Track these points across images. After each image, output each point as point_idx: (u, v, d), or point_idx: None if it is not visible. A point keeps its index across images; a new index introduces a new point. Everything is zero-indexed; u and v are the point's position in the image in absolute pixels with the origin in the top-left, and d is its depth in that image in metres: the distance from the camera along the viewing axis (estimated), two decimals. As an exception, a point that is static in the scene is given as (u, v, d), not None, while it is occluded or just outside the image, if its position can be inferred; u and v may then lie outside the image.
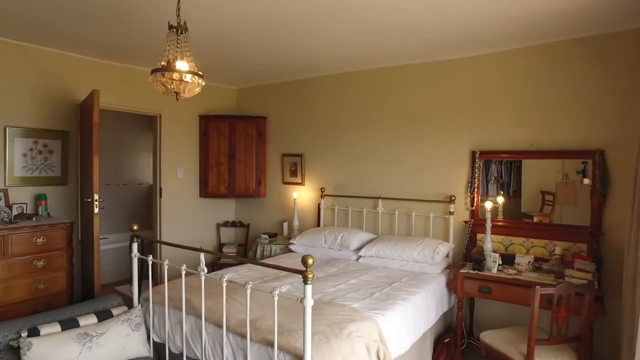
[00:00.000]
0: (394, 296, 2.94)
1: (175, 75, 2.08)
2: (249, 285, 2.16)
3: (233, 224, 5.47)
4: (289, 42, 3.64)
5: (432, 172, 4.11)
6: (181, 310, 2.61)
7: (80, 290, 3.98)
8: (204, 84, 2.27)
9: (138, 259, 2.94)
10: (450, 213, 3.93)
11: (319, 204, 4.81)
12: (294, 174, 5.09)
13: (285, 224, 4.99)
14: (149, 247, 5.70)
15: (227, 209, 5.59)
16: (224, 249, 5.15)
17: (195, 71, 2.19)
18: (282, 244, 4.63)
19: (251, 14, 2.97)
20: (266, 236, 4.82)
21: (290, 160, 5.10)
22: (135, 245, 2.93)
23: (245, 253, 5.33)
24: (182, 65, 2.14)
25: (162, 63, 2.13)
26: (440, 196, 4.05)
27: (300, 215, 4.93)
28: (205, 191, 5.17)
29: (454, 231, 3.94)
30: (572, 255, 3.21)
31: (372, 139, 4.49)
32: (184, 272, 2.53)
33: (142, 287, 3.04)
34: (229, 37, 3.53)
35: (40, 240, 3.40)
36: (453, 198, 3.92)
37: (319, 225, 4.79)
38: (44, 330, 2.41)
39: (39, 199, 3.81)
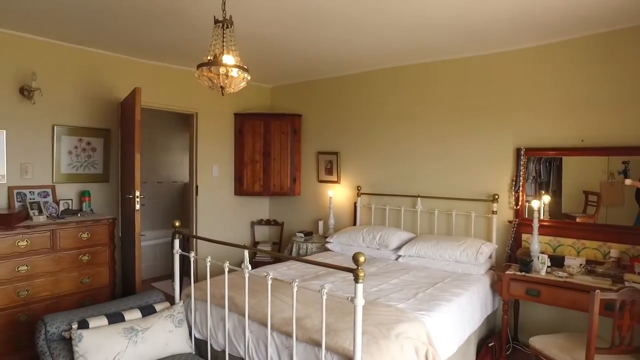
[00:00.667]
0: (439, 297, 2.85)
1: (222, 70, 2.06)
2: (295, 283, 2.12)
3: (267, 223, 5.47)
4: (324, 38, 3.60)
5: (474, 169, 3.98)
6: (223, 308, 2.60)
7: (120, 286, 4.05)
8: (249, 78, 2.25)
9: (179, 255, 2.95)
10: (494, 212, 3.79)
11: (355, 203, 4.74)
12: (329, 172, 5.04)
13: (321, 223, 4.94)
14: (186, 244, 5.78)
15: (261, 207, 5.60)
16: (258, 247, 5.15)
17: (241, 65, 2.16)
18: (317, 242, 4.59)
19: (286, 9, 2.94)
20: (301, 234, 4.79)
21: (326, 158, 5.06)
22: (177, 242, 2.94)
23: (279, 251, 5.32)
24: (228, 59, 2.12)
25: (209, 57, 2.12)
26: (482, 195, 3.92)
27: (335, 214, 4.88)
28: (240, 189, 5.19)
29: (497, 231, 3.80)
30: (631, 259, 3.02)
31: (410, 136, 4.39)
32: (227, 269, 2.53)
33: (182, 283, 3.06)
34: (263, 34, 3.51)
35: (85, 235, 3.47)
36: (496, 197, 3.78)
37: (355, 224, 4.72)
38: (92, 323, 2.45)
39: (83, 195, 3.90)
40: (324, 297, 2.00)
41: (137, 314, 2.65)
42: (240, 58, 2.23)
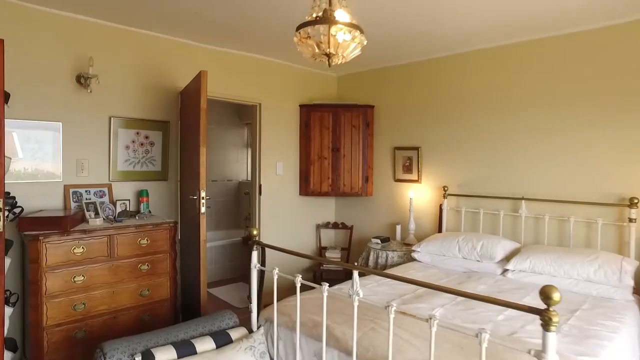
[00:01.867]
0: (592, 333, 2.19)
1: (334, 30, 1.51)
2: (434, 321, 1.54)
3: (334, 226, 4.92)
4: (407, 14, 2.99)
5: (600, 167, 3.25)
6: (315, 339, 2.07)
7: (180, 299, 3.63)
8: (365, 42, 1.69)
9: (258, 272, 2.44)
10: (631, 220, 3.06)
11: (440, 205, 4.11)
12: (408, 169, 4.43)
13: (398, 227, 4.34)
14: (244, 250, 5.34)
15: (326, 209, 5.06)
16: (327, 254, 4.62)
17: (355, 24, 1.61)
18: (398, 250, 3.99)
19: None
20: (377, 241, 4.21)
21: (404, 155, 4.45)
22: (255, 255, 2.44)
23: (348, 258, 4.77)
24: (342, 15, 1.57)
25: (314, 15, 1.58)
26: (612, 198, 3.19)
27: (416, 218, 4.27)
28: (306, 189, 4.67)
29: (636, 243, 3.06)
30: None
31: (509, 127, 3.71)
32: (325, 292, 1.98)
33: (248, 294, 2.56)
34: (354, 4, 2.95)
35: (144, 241, 3.06)
36: (635, 201, 3.04)
37: (440, 229, 4.09)
38: (159, 355, 1.99)
39: (140, 195, 3.50)
40: (485, 346, 1.40)
41: (209, 343, 2.17)
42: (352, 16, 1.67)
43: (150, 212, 3.49)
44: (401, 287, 2.82)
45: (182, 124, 3.71)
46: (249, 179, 6.60)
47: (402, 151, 4.47)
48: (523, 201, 3.59)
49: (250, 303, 2.44)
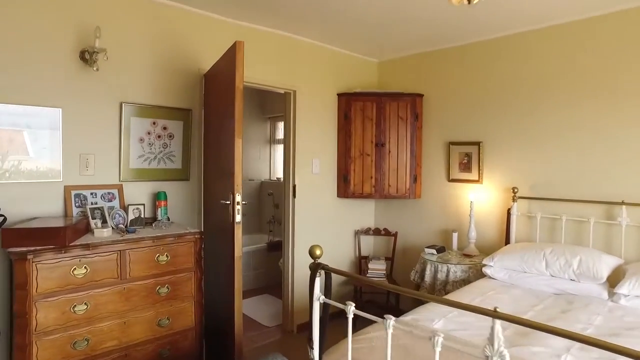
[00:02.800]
0: None
1: None
2: None
3: (376, 232, 4.23)
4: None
5: None
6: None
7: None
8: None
9: (322, 305, 1.76)
10: None
11: (508, 210, 3.40)
12: (466, 168, 3.72)
13: (455, 235, 3.64)
14: (273, 257, 4.66)
15: (365, 212, 4.37)
16: (370, 266, 3.92)
17: None
18: (460, 263, 3.29)
19: None
20: (432, 251, 3.52)
21: (461, 151, 3.74)
22: (317, 284, 1.75)
23: (392, 270, 4.08)
24: None
25: None
26: None
27: (476, 224, 3.56)
28: (346, 190, 3.98)
29: None
30: None
31: (603, 117, 2.99)
32: (390, 328, 1.29)
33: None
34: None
35: (163, 257, 2.38)
36: None
37: (507, 238, 3.38)
38: None
39: (157, 198, 2.83)
40: None
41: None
42: None
43: (169, 219, 2.82)
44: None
45: (207, 112, 3.03)
46: (273, 178, 5.93)
47: (458, 147, 3.76)
48: (624, 206, 2.88)
49: (312, 348, 1.75)
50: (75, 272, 2.07)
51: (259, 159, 5.88)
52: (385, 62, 4.39)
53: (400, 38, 3.68)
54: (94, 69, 2.51)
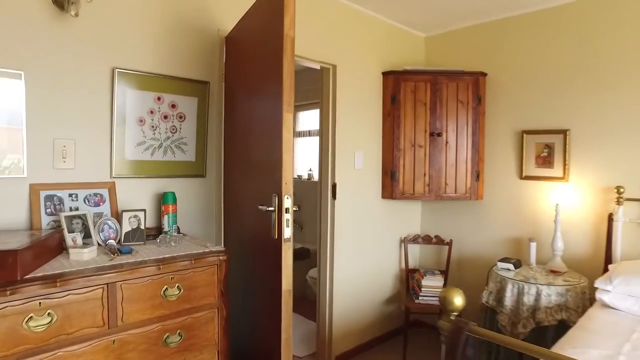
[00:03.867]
0: None
1: None
2: None
3: (426, 240, 3.39)
4: None
5: None
6: None
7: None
8: None
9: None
10: None
11: (610, 215, 2.59)
12: (545, 162, 2.90)
13: (533, 246, 2.81)
14: (300, 268, 3.83)
15: (410, 216, 3.54)
16: (424, 282, 3.09)
17: None
18: (553, 283, 2.46)
19: None
20: (508, 266, 2.70)
21: (540, 141, 2.92)
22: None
23: (445, 284, 3.25)
24: None
25: None
26: None
27: (563, 232, 2.75)
28: (393, 189, 3.15)
29: None
30: None
31: None
32: None
33: None
34: None
35: (174, 291, 1.55)
36: None
37: (608, 252, 2.57)
38: None
39: (163, 201, 1.99)
40: None
41: None
42: None
43: (179, 230, 1.99)
44: None
45: (231, 85, 2.19)
46: (294, 175, 5.09)
47: (535, 136, 2.94)
48: None
49: None
50: (31, 323, 1.23)
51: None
52: (434, 38, 3.56)
53: (451, 5, 2.86)
54: (72, 14, 1.67)
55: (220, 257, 1.66)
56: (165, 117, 2.07)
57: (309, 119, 4.80)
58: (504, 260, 2.78)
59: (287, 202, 1.48)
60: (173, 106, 2.09)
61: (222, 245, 2.18)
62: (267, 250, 1.60)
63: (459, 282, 3.30)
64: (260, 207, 1.58)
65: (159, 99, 2.04)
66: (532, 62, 2.96)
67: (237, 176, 2.08)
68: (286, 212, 1.48)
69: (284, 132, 1.48)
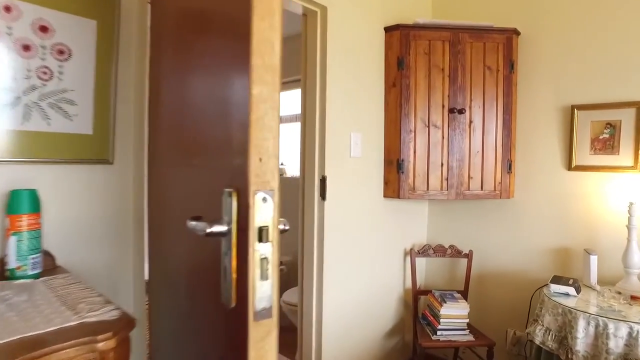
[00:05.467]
0: None
1: None
2: None
3: (439, 251, 2.51)
4: None
5: None
6: None
7: None
8: None
9: None
10: None
11: None
12: (607, 147, 2.10)
13: (593, 260, 2.00)
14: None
15: (416, 220, 2.66)
16: (444, 311, 2.20)
17: None
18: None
19: None
20: (567, 289, 1.88)
21: (598, 119, 2.11)
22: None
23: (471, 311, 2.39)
24: None
25: None
26: None
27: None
28: (400, 185, 2.25)
29: None
30: None
31: None
32: None
33: None
34: None
35: None
36: None
37: (703, 269, 1.79)
38: None
39: (8, 209, 0.99)
40: None
41: None
42: None
43: (46, 264, 1.00)
44: None
45: (162, 11, 1.22)
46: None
47: (592, 112, 2.13)
48: None
49: None
50: None
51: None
52: (444, -9, 2.70)
53: None
54: None
55: (104, 343, 0.68)
56: (26, 48, 1.07)
57: (290, 101, 3.76)
58: (557, 280, 1.96)
59: (264, 212, 0.53)
60: (44, 29, 1.09)
61: (140, 291, 1.20)
62: (215, 333, 0.65)
63: (482, 305, 2.46)
64: (192, 223, 0.62)
65: (7, 9, 1.03)
66: (587, 16, 2.15)
67: (166, 166, 1.10)
68: (260, 239, 0.53)
69: (253, 78, 0.54)
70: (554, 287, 1.92)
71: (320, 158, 1.94)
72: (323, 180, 1.93)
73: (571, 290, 1.88)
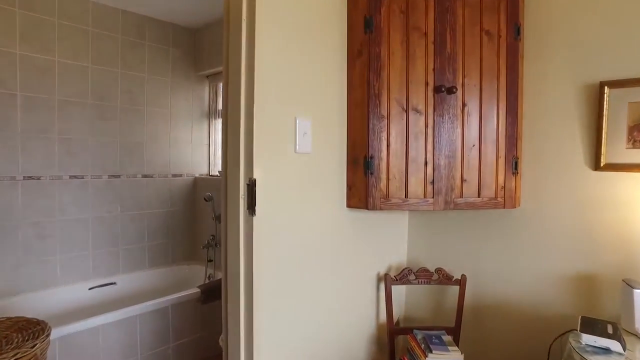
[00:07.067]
0: None
1: None
2: None
3: (423, 276, 1.89)
4: None
5: None
6: None
7: None
8: None
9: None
10: None
11: None
12: (651, 139, 1.51)
13: (637, 295, 1.40)
14: (208, 314, 2.23)
15: (392, 237, 2.04)
16: (433, 358, 1.59)
17: None
18: None
19: None
20: (608, 342, 1.27)
21: (637, 100, 1.52)
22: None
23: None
24: None
25: None
26: None
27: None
28: (368, 191, 1.63)
29: None
30: None
31: None
32: None
33: None
34: None
35: None
36: None
37: None
38: None
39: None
40: None
41: None
42: None
43: None
44: None
45: None
46: (213, 172, 3.49)
47: (628, 91, 1.54)
48: None
49: None
50: None
51: (191, 143, 3.40)
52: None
53: None
54: None
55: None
56: None
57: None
58: (590, 326, 1.36)
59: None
60: None
61: None
62: None
63: (480, 350, 1.85)
64: None
65: None
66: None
67: None
68: None
69: None
70: (587, 339, 1.32)
71: (247, 152, 1.30)
72: (251, 186, 1.29)
73: (614, 345, 1.28)
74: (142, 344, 2.34)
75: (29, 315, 2.50)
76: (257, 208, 1.29)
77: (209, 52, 3.28)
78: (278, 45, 1.37)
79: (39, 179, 2.57)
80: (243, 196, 1.30)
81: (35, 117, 2.54)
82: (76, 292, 2.73)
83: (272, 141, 1.35)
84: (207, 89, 3.47)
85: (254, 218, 1.29)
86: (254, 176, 1.29)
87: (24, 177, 2.51)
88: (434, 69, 1.63)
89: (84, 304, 2.74)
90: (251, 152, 1.28)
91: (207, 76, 3.45)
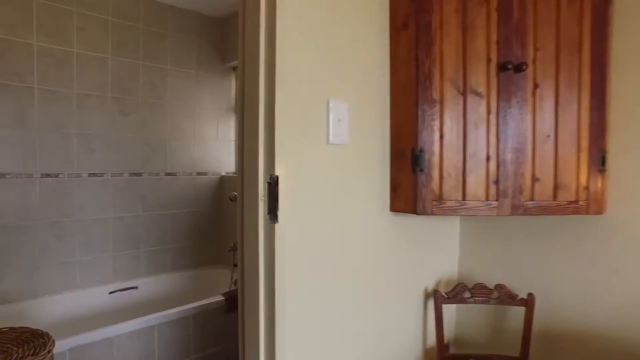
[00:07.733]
0: None
1: None
2: None
3: (482, 294, 1.58)
4: None
5: None
6: None
7: None
8: None
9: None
10: None
11: None
12: None
13: None
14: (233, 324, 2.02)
15: (442, 246, 1.73)
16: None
17: None
18: None
19: None
20: None
21: None
22: None
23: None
24: None
25: None
26: None
27: None
28: (417, 192, 1.34)
29: None
30: None
31: None
32: None
33: None
34: None
35: None
36: None
37: None
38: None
39: None
40: None
41: None
42: None
43: None
44: None
45: None
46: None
47: None
48: None
49: None
50: None
51: (216, 139, 3.21)
52: None
53: None
54: None
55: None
56: None
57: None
58: None
59: None
60: None
61: None
62: None
63: (553, 386, 1.51)
64: None
65: None
66: None
67: None
68: None
69: None
70: None
71: (268, 142, 1.04)
72: (272, 185, 1.03)
73: None
74: (160, 356, 2.15)
75: (48, 321, 2.36)
76: (279, 213, 1.03)
77: (236, 43, 3.07)
78: (305, 9, 1.10)
79: (57, 176, 2.43)
80: (263, 198, 1.04)
81: (53, 112, 2.40)
82: (96, 296, 2.58)
83: (299, 129, 1.09)
84: (233, 81, 3.27)
85: (276, 226, 1.03)
86: (276, 173, 1.03)
87: (42, 174, 2.38)
88: (497, 42, 1.31)
89: (103, 308, 2.59)
90: (272, 142, 1.02)
91: (234, 68, 3.25)
